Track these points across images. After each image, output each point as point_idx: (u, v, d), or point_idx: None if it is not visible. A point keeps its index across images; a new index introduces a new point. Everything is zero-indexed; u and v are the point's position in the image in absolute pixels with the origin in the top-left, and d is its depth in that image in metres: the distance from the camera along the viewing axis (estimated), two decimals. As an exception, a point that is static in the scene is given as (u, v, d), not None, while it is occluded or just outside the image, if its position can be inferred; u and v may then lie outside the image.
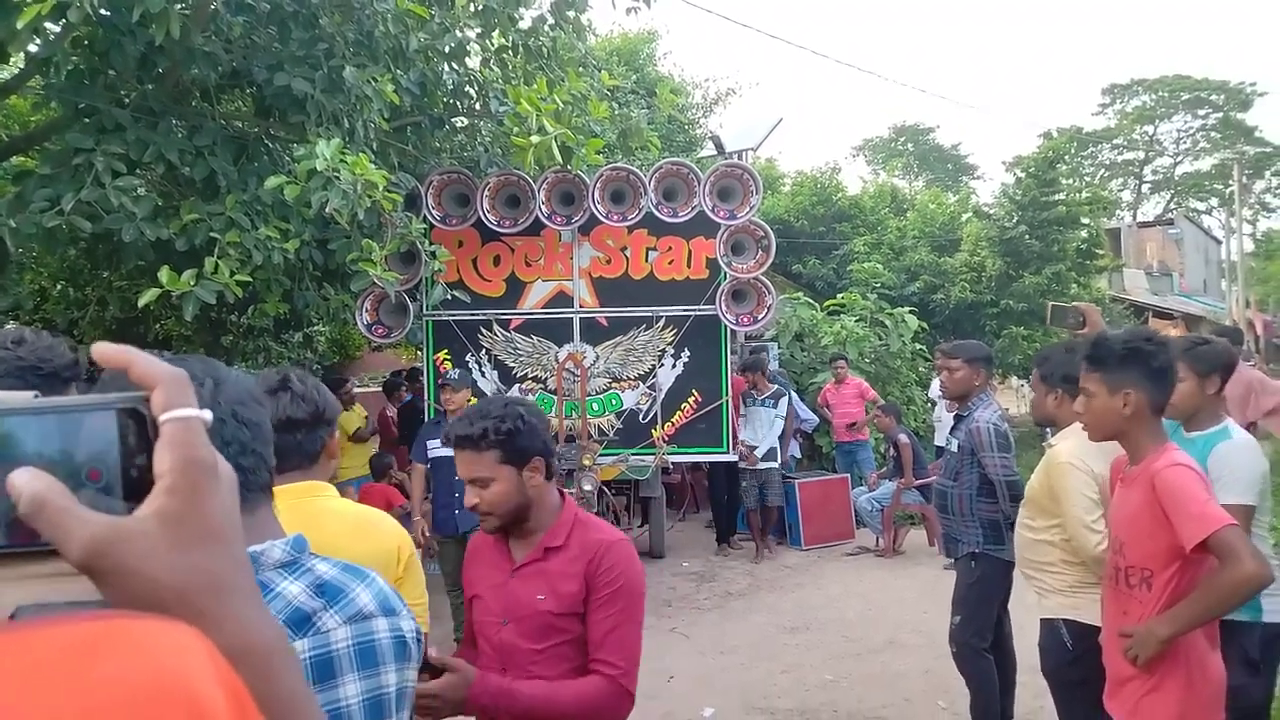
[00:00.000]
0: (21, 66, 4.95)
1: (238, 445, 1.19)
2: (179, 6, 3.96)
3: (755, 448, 7.85)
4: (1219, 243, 36.47)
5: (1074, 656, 2.96)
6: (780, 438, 8.10)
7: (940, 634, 4.18)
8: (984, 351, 4.13)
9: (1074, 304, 4.11)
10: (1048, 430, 3.70)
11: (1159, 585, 2.31)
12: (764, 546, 8.11)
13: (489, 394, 6.93)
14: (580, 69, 6.34)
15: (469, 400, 5.28)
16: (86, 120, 4.53)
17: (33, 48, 4.17)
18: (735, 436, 7.37)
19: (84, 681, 0.53)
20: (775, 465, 8.02)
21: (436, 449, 5.43)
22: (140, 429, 0.53)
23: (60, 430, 0.53)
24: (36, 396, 0.55)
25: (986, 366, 4.08)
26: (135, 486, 0.53)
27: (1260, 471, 2.82)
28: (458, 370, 5.80)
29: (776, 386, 8.13)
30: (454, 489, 5.15)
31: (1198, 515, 2.20)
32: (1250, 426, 5.73)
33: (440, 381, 5.77)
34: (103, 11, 4.16)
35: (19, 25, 3.20)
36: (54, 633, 0.56)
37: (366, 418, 8.13)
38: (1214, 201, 41.14)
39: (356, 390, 9.17)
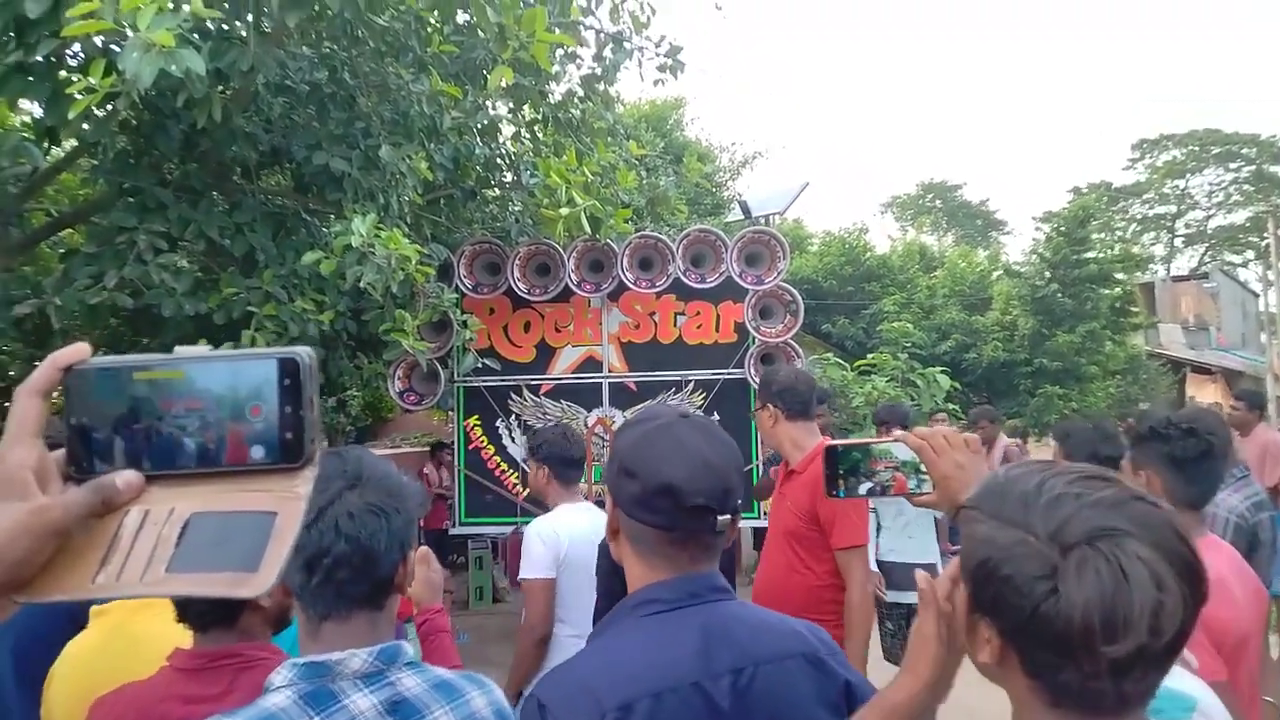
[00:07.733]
0: (73, 144, 5.15)
1: (333, 559, 1.17)
2: (221, 89, 4.11)
3: (891, 568, 5.02)
4: (1256, 296, 35.93)
5: None
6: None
7: (981, 714, 4.05)
8: None
9: None
10: None
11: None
12: None
13: (519, 460, 6.95)
14: (609, 138, 6.45)
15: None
16: (131, 200, 4.67)
17: (83, 128, 4.34)
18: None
19: None
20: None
21: None
22: (294, 376, 0.61)
23: (230, 373, 0.61)
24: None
25: None
26: (288, 422, 0.61)
27: None
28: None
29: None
30: None
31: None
32: (1274, 491, 5.58)
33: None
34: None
35: (70, 115, 3.33)
36: None
37: None
38: (1250, 254, 40.65)
39: (392, 451, 9.19)
